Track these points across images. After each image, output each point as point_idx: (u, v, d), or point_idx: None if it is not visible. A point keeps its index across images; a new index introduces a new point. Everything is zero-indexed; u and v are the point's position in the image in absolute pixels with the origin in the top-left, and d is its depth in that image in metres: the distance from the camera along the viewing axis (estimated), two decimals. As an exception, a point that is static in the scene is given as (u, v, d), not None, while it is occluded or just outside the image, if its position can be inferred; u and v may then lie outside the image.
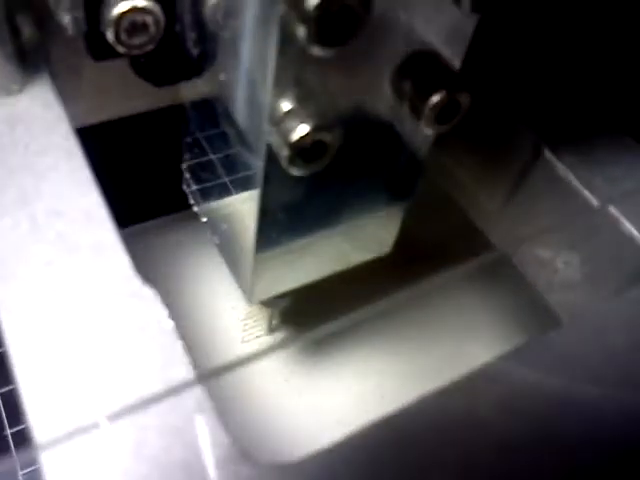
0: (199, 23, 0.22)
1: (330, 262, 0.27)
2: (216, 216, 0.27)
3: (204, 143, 0.27)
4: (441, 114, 0.19)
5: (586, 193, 0.25)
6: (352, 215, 0.25)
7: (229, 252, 0.27)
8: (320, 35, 0.15)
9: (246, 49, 0.19)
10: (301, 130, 0.17)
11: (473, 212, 0.32)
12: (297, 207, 0.23)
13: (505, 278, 0.33)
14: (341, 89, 0.19)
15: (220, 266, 0.33)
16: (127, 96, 0.28)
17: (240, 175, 0.23)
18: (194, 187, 0.29)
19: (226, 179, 0.26)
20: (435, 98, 0.18)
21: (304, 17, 0.14)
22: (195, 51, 0.23)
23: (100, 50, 0.22)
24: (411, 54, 0.19)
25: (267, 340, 0.34)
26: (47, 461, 0.14)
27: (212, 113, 0.24)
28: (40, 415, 0.15)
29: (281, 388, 0.32)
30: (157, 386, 0.15)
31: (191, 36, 0.22)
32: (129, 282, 0.18)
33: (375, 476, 0.15)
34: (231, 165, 0.24)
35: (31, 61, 0.23)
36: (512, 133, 0.27)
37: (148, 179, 0.35)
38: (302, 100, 0.17)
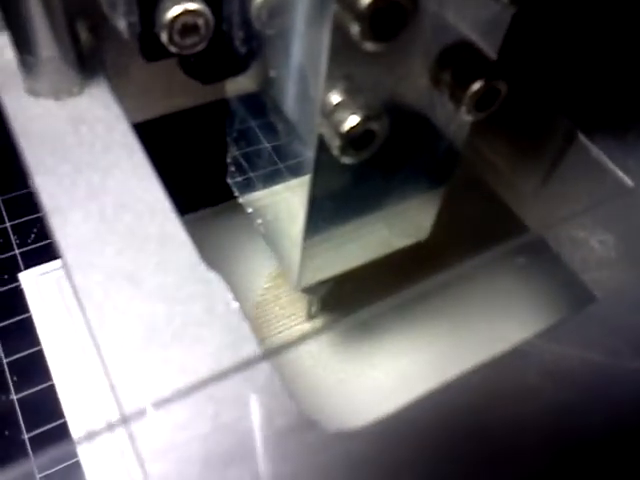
0: (246, 22, 0.23)
1: (372, 248, 0.28)
2: (261, 206, 0.29)
3: (248, 136, 0.28)
4: (480, 102, 0.20)
5: (620, 174, 0.26)
6: (393, 201, 0.26)
7: (275, 240, 0.28)
8: (372, 31, 0.16)
9: (296, 45, 0.20)
10: (352, 121, 0.18)
11: (508, 196, 0.32)
12: (344, 195, 0.24)
13: (540, 259, 0.34)
14: (386, 81, 0.20)
15: (263, 254, 0.35)
16: (173, 94, 0.30)
17: (286, 165, 0.25)
18: (238, 179, 0.30)
19: (271, 169, 0.27)
20: (475, 86, 0.19)
21: (357, 14, 0.16)
22: (242, 49, 0.24)
23: (153, 52, 0.23)
24: (451, 45, 0.20)
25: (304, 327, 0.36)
26: (138, 429, 0.15)
27: (256, 106, 0.25)
28: (127, 386, 0.16)
29: (328, 367, 0.34)
30: (228, 362, 0.17)
31: (238, 35, 0.23)
32: (196, 268, 0.19)
33: (430, 442, 0.16)
34: (275, 156, 0.25)
35: (88, 65, 0.24)
36: (546, 118, 0.28)
37: (194, 171, 0.36)
38: (351, 92, 0.18)
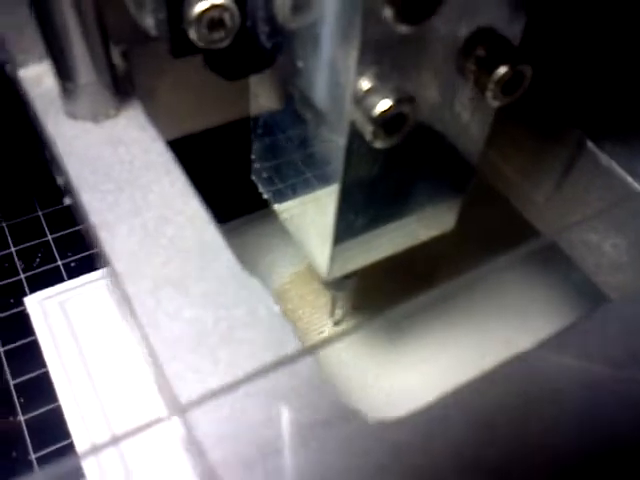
0: (269, 17, 0.23)
1: (400, 239, 0.28)
2: (288, 199, 0.29)
3: (272, 132, 0.28)
4: (506, 86, 0.20)
5: (629, 179, 0.27)
6: (421, 192, 0.26)
7: (303, 233, 0.28)
8: (405, 13, 0.16)
9: (325, 35, 0.20)
10: (383, 105, 0.18)
11: (519, 203, 0.34)
12: (373, 184, 0.24)
13: (553, 263, 0.36)
14: (414, 66, 0.20)
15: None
16: (199, 113, 0.31)
17: (312, 160, 0.25)
18: (264, 175, 0.31)
19: (296, 164, 0.27)
20: (501, 70, 0.19)
21: None
22: (266, 45, 0.24)
23: (180, 48, 0.23)
24: (476, 31, 0.20)
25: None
26: (195, 418, 0.16)
27: (280, 117, 0.26)
28: (184, 379, 0.17)
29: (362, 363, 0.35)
30: (273, 359, 0.18)
31: (263, 30, 0.24)
32: (237, 274, 0.20)
33: (470, 432, 0.17)
34: (301, 150, 0.26)
35: (122, 88, 0.26)
36: (555, 128, 0.29)
37: (222, 184, 0.38)
38: (381, 77, 0.19)
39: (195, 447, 0.16)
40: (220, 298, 0.19)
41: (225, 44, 0.22)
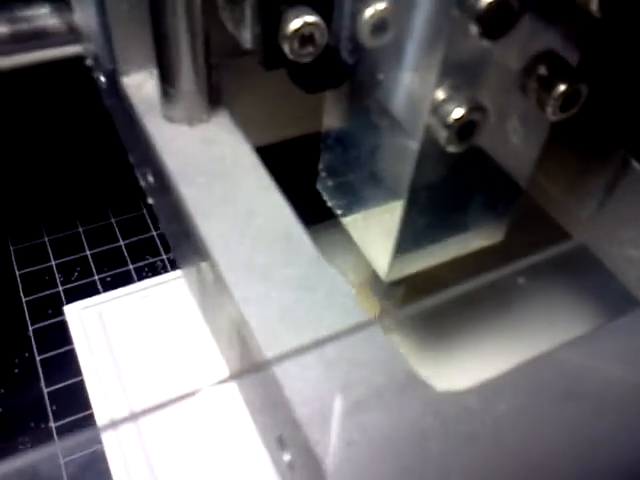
0: (351, 36, 0.26)
1: (454, 247, 0.31)
2: (352, 204, 0.32)
3: (341, 157, 0.31)
4: (564, 103, 0.22)
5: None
6: (475, 204, 0.29)
7: (365, 235, 0.30)
8: (488, 30, 0.19)
9: (407, 52, 0.23)
10: (457, 113, 0.21)
11: (563, 220, 0.36)
12: (435, 194, 0.26)
13: (593, 274, 0.38)
14: (483, 78, 0.22)
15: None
16: (269, 127, 0.34)
17: (381, 168, 0.27)
18: (329, 183, 0.33)
19: (361, 172, 0.30)
20: (561, 87, 0.22)
21: (476, 15, 0.19)
22: (347, 60, 0.27)
23: (272, 60, 0.26)
24: (539, 51, 0.22)
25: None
26: (281, 371, 0.19)
27: (349, 129, 0.28)
28: (269, 335, 0.20)
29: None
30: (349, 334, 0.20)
31: (346, 47, 0.27)
32: (317, 263, 0.23)
33: (534, 403, 0.19)
34: (365, 158, 0.28)
35: (214, 97, 0.29)
36: (600, 147, 0.32)
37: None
38: (455, 88, 0.21)
39: (283, 403, 0.18)
40: (302, 282, 0.22)
41: (312, 58, 0.25)
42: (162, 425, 0.36)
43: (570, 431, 0.19)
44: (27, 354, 0.41)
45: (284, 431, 0.20)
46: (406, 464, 0.17)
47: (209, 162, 0.26)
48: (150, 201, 0.34)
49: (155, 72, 0.30)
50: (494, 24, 0.19)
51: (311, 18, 0.23)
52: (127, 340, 0.41)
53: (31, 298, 0.44)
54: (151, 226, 0.51)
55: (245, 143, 0.27)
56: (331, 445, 0.17)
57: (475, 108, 0.21)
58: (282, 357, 0.19)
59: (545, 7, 0.21)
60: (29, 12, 0.33)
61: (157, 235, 0.50)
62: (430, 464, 0.17)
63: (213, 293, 0.25)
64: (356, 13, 0.24)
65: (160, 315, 0.43)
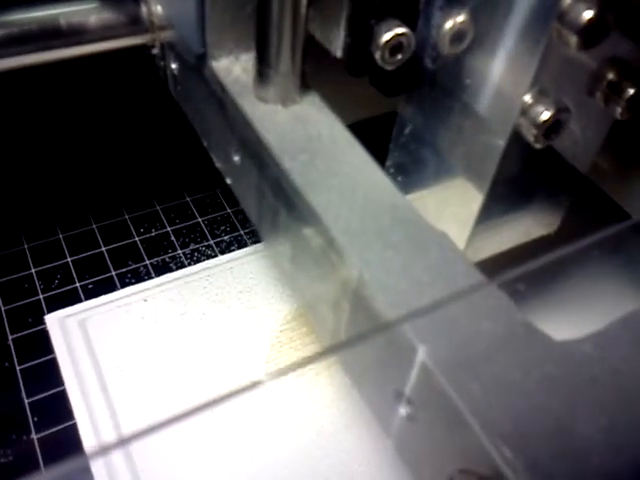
0: (432, 45, 0.28)
1: (517, 235, 0.33)
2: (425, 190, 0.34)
3: (414, 137, 0.33)
4: (632, 104, 0.25)
5: None
6: (541, 195, 0.31)
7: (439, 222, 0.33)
8: (585, 40, 0.22)
9: (500, 59, 0.25)
10: (546, 114, 0.24)
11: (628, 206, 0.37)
12: (510, 184, 0.29)
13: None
14: (564, 82, 0.25)
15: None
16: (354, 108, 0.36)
17: (456, 155, 0.30)
18: (398, 179, 0.35)
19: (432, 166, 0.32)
20: (630, 91, 0.25)
21: (576, 28, 0.21)
22: (431, 67, 0.29)
23: (358, 69, 0.29)
24: (611, 57, 0.25)
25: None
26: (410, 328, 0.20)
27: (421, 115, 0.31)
28: (393, 294, 0.21)
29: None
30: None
31: (429, 54, 0.29)
32: (425, 228, 0.24)
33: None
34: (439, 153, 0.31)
35: (304, 80, 0.30)
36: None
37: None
38: (543, 91, 0.25)
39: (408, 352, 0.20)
40: (413, 244, 0.24)
41: (398, 65, 0.27)
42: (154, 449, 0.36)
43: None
44: (7, 364, 0.40)
45: (408, 386, 0.21)
46: (536, 404, 0.19)
47: (307, 139, 0.28)
48: (228, 181, 0.35)
49: (241, 57, 0.31)
50: (591, 36, 0.22)
51: (401, 29, 0.26)
52: (110, 349, 0.41)
53: (11, 307, 0.43)
54: (133, 231, 0.50)
55: (338, 122, 0.29)
56: (465, 392, 0.19)
57: (561, 109, 0.25)
58: (409, 315, 0.20)
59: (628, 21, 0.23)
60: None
61: (139, 241, 0.49)
62: (557, 405, 0.19)
63: (318, 260, 0.26)
64: (438, 25, 0.27)
65: (144, 323, 0.43)
